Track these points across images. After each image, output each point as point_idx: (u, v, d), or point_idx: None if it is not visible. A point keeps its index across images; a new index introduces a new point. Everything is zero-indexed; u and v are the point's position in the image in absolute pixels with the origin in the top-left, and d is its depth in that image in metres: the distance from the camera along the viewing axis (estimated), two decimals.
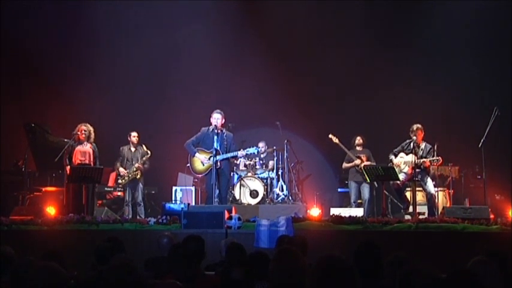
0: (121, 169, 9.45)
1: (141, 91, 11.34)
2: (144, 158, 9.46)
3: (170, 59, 11.34)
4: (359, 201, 9.66)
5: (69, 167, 8.40)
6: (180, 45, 11.34)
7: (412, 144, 8.48)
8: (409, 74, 10.92)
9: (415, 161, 8.25)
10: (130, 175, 9.38)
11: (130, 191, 9.45)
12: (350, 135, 9.89)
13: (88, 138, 8.64)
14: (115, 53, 10.97)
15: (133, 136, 9.57)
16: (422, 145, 8.58)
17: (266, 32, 11.24)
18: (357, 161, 9.45)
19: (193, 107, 10.81)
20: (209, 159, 8.38)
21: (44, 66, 10.84)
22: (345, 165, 9.71)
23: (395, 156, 8.74)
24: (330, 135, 9.67)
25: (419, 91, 10.83)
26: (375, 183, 9.11)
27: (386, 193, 9.11)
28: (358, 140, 9.65)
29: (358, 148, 9.68)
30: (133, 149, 9.56)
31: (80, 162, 8.50)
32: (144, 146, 9.57)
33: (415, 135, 8.52)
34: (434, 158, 8.34)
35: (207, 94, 11.03)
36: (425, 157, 8.46)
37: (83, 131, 8.61)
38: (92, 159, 8.58)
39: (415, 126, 8.58)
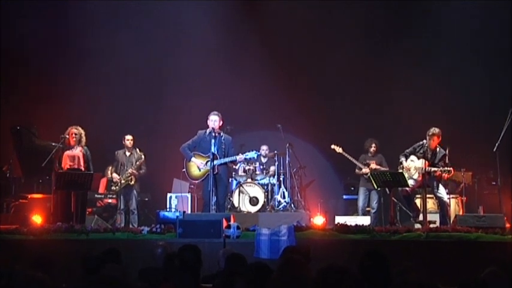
0: (114, 175, 9.47)
1: (136, 92, 11.37)
2: (138, 163, 9.49)
3: (166, 59, 11.38)
4: (367, 209, 9.68)
5: (57, 173, 8.42)
6: (177, 46, 11.37)
7: (425, 147, 8.47)
8: (420, 76, 10.93)
9: (425, 169, 8.23)
10: (123, 181, 9.40)
11: (124, 198, 9.47)
12: (355, 139, 9.92)
13: (79, 142, 8.67)
14: (109, 53, 10.99)
15: (128, 139, 9.60)
16: (436, 150, 8.55)
17: (266, 30, 11.30)
18: (365, 170, 9.47)
19: (190, 109, 10.86)
20: (206, 164, 8.40)
21: (33, 65, 10.87)
22: (357, 171, 9.76)
23: (407, 158, 8.72)
24: (333, 146, 9.66)
25: (430, 93, 10.85)
26: (387, 190, 9.07)
27: (395, 200, 9.12)
28: (374, 146, 9.66)
29: (370, 154, 9.70)
30: (128, 153, 9.60)
31: (69, 167, 8.53)
32: (138, 149, 9.60)
33: (429, 140, 8.49)
34: (446, 168, 8.32)
35: (204, 95, 11.07)
36: (437, 164, 8.45)
37: (74, 135, 8.65)
38: (82, 164, 8.59)
39: (431, 131, 8.48)
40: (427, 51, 11.07)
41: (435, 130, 8.50)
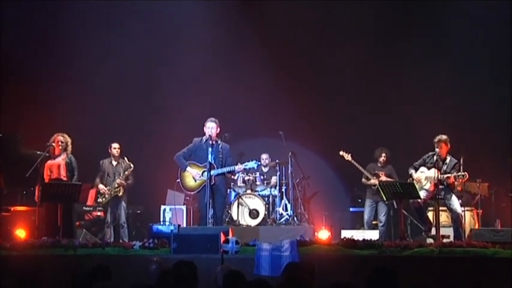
0: (101, 186, 9.47)
1: (127, 98, 11.39)
2: (126, 173, 9.49)
3: (160, 62, 11.42)
4: (373, 222, 9.69)
5: (40, 184, 8.45)
6: (171, 48, 11.42)
7: (435, 157, 8.52)
8: (432, 80, 10.95)
9: (437, 176, 8.28)
10: (111, 192, 9.41)
11: (112, 210, 9.46)
12: (363, 147, 9.93)
13: (64, 150, 8.73)
14: (98, 56, 11.05)
15: (115, 148, 9.60)
16: (447, 159, 8.63)
17: (266, 30, 11.37)
18: (373, 181, 9.48)
19: (185, 115, 10.87)
20: (202, 174, 8.42)
21: (17, 68, 10.88)
22: (363, 181, 9.77)
23: (416, 170, 8.79)
24: (341, 152, 9.68)
25: (443, 99, 10.85)
26: (394, 203, 9.10)
27: (406, 213, 9.13)
28: (384, 156, 9.69)
29: (379, 164, 9.72)
30: (114, 163, 9.60)
31: (49, 178, 8.59)
32: (126, 158, 9.61)
33: (438, 148, 8.56)
34: (460, 173, 8.37)
35: (201, 100, 11.09)
36: (450, 172, 8.50)
37: (60, 142, 8.70)
38: (63, 173, 8.64)
39: (437, 138, 8.62)
40: (438, 53, 11.09)
41: (442, 137, 8.59)
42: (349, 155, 9.64)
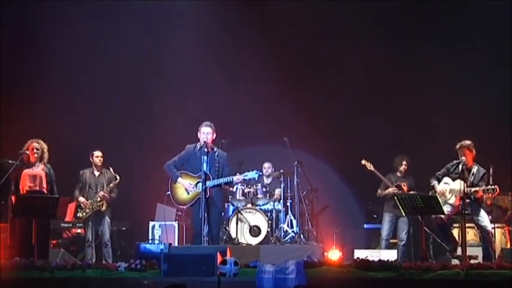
0: (81, 199, 9.47)
1: (112, 101, 11.41)
2: (111, 185, 9.50)
3: (151, 63, 11.48)
4: (392, 240, 9.66)
5: (14, 196, 8.44)
6: (165, 48, 11.51)
7: (460, 166, 8.50)
8: (456, 80, 10.95)
9: (463, 189, 8.26)
10: (93, 206, 9.40)
11: (94, 227, 9.47)
12: (379, 155, 9.92)
13: (40, 159, 8.75)
14: (81, 57, 11.14)
15: (97, 156, 9.62)
16: (474, 169, 8.61)
17: (266, 31, 11.48)
18: (391, 190, 9.47)
19: (178, 120, 10.91)
20: (196, 185, 8.42)
21: None
22: (379, 192, 9.74)
23: (439, 181, 8.76)
24: (363, 161, 9.70)
25: (469, 101, 10.84)
26: (419, 218, 9.07)
27: (427, 231, 9.11)
28: (404, 164, 9.70)
29: (399, 174, 9.72)
30: (97, 173, 9.62)
31: (29, 188, 8.60)
32: (111, 169, 9.61)
33: (462, 156, 8.54)
34: (489, 186, 8.35)
35: (195, 103, 11.13)
36: (477, 184, 8.48)
37: (35, 150, 8.71)
38: (45, 185, 8.68)
39: (459, 144, 8.62)
40: (461, 50, 11.10)
41: (464, 142, 8.60)
42: (371, 164, 9.64)
